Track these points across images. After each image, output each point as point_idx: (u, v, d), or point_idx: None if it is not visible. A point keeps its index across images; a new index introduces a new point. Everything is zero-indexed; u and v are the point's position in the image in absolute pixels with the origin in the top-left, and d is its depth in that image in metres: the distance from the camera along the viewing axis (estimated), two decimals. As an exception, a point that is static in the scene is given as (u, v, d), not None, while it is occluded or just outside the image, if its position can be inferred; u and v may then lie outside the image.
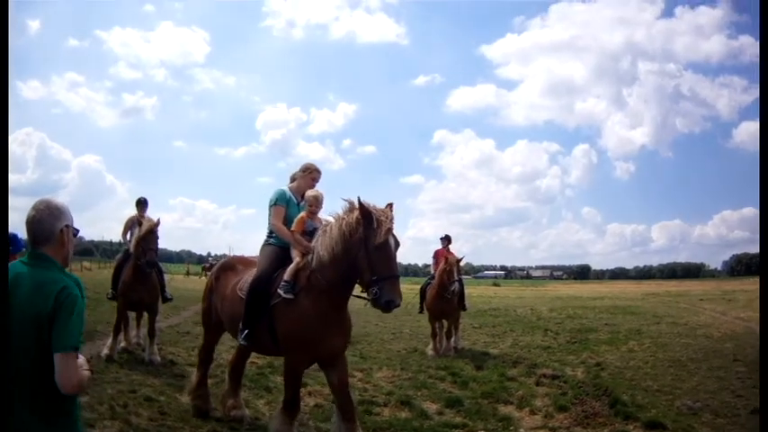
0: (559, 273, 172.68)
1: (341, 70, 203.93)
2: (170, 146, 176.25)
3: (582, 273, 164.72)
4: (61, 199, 3.17)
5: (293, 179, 6.97)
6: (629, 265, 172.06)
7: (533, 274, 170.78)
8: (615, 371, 11.44)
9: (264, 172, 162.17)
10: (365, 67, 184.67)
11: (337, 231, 5.81)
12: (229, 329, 6.93)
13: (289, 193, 6.75)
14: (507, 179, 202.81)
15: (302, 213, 6.55)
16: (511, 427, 7.50)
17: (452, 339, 13.43)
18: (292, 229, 6.41)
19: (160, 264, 11.31)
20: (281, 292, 6.00)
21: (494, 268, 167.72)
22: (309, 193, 6.62)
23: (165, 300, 11.24)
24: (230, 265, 7.27)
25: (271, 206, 6.65)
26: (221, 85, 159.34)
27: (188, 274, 61.43)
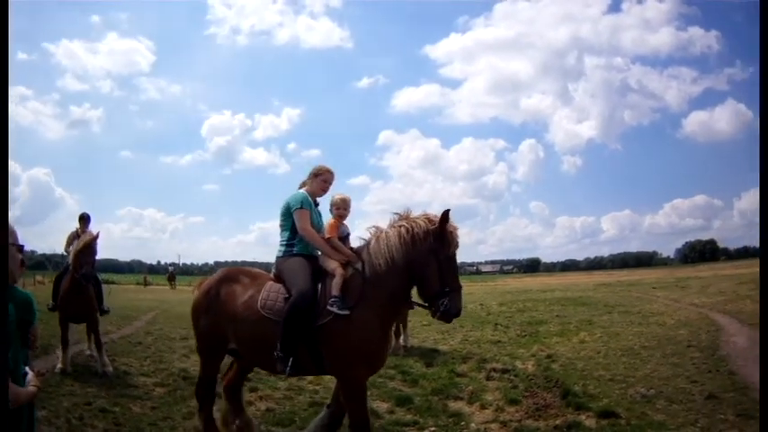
0: (509, 267, 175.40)
1: (285, 75, 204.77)
2: (117, 156, 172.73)
3: (532, 266, 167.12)
4: (12, 213, 3.21)
5: (303, 185, 6.53)
6: (580, 257, 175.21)
7: (483, 270, 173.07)
8: (566, 362, 11.66)
9: (210, 179, 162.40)
10: (309, 71, 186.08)
11: (397, 239, 5.77)
12: (250, 355, 6.30)
13: (309, 197, 6.35)
14: (454, 177, 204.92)
15: (332, 218, 6.37)
16: (462, 423, 7.57)
17: (401, 338, 13.51)
18: (327, 235, 6.16)
19: (101, 276, 11.76)
20: (333, 309, 5.65)
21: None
22: (337, 195, 6.47)
23: (102, 312, 11.25)
24: (233, 278, 6.41)
25: (294, 210, 6.15)
26: (167, 93, 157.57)
27: (146, 284, 60.31)
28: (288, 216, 6.21)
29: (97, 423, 7.26)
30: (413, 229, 5.76)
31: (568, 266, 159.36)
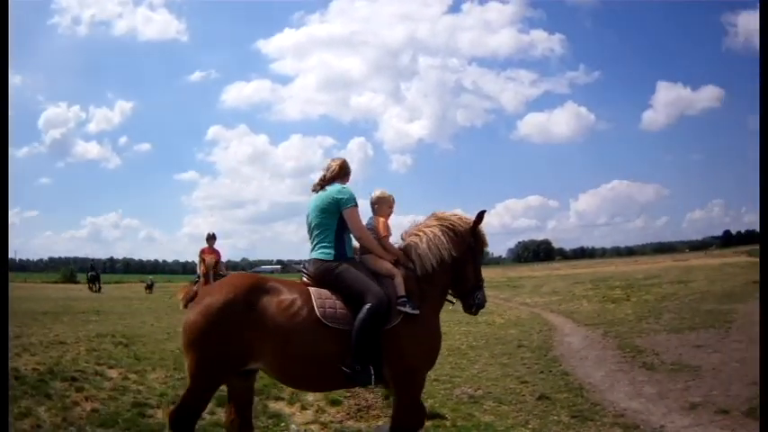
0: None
1: (121, 67, 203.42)
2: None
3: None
4: None
5: (323, 185, 6.08)
6: None
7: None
8: None
9: (45, 172, 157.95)
10: (144, 64, 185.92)
11: (445, 238, 5.96)
12: (295, 373, 5.66)
13: None
14: (281, 174, 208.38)
15: (378, 216, 6.21)
16: (282, 424, 7.59)
17: None
18: (383, 234, 6.06)
19: None
20: (406, 309, 5.62)
21: (270, 263, 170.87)
22: (386, 192, 6.35)
23: None
24: (264, 286, 5.65)
25: (347, 207, 5.85)
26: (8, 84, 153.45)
27: None
28: (332, 214, 5.88)
29: None
30: (455, 228, 6.04)
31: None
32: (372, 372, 5.41)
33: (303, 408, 8.32)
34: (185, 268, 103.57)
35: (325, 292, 5.62)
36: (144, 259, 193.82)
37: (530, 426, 7.46)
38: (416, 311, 5.61)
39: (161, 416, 7.67)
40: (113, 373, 10.09)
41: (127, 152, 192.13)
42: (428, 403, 8.22)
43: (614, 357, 11.82)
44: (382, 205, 6.25)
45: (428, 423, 7.43)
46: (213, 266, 13.51)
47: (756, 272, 35.11)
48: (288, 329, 5.37)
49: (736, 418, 7.31)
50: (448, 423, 7.62)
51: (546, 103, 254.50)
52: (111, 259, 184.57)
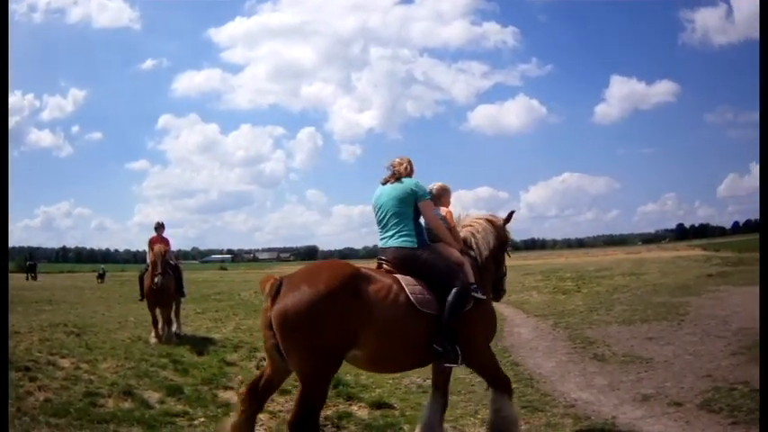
0: (286, 255, 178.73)
1: (74, 55, 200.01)
2: None
3: (309, 254, 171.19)
4: None
5: (393, 179, 6.44)
6: (358, 246, 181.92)
7: (260, 257, 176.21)
8: None
9: None
10: (98, 52, 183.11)
11: (492, 230, 6.79)
12: (392, 357, 5.93)
13: None
14: (231, 163, 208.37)
15: (443, 208, 6.76)
16: (231, 413, 7.57)
17: (174, 326, 14.02)
18: (452, 224, 6.59)
19: None
20: (478, 294, 6.12)
21: (221, 252, 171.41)
22: (446, 185, 7.01)
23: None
24: (361, 274, 5.74)
25: (425, 199, 6.28)
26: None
27: None
28: (409, 204, 6.22)
29: None
30: (494, 223, 6.90)
31: (346, 255, 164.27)
32: (459, 351, 5.84)
33: (252, 397, 8.37)
34: (136, 257, 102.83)
35: (410, 279, 5.89)
36: (96, 248, 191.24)
37: (479, 416, 7.57)
38: (484, 297, 6.24)
39: (112, 405, 7.80)
40: (66, 363, 10.10)
41: (79, 141, 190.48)
42: (376, 393, 8.52)
43: (565, 348, 11.98)
44: (447, 196, 6.87)
45: (376, 412, 7.64)
46: (162, 255, 13.57)
47: (710, 265, 35.88)
48: (390, 317, 5.60)
49: (690, 410, 7.35)
50: (396, 413, 7.79)
51: (497, 95, 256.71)
52: (64, 248, 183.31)
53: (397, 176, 6.34)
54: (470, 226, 6.74)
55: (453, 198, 6.94)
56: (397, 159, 6.48)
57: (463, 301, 5.91)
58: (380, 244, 6.32)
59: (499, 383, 6.40)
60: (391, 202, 6.21)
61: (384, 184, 6.40)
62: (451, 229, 6.48)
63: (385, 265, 6.19)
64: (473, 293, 6.03)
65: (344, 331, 5.37)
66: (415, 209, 6.23)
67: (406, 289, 5.77)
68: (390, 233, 6.19)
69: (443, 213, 6.59)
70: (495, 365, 6.52)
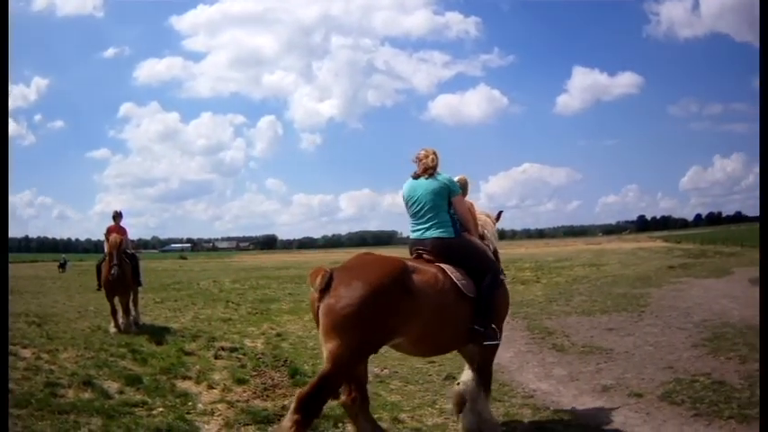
0: (245, 244, 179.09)
1: (38, 44, 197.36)
2: None
3: (269, 243, 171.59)
4: None
5: (422, 173, 6.77)
6: (317, 235, 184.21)
7: (219, 246, 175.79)
8: (297, 341, 12.53)
9: None
10: (61, 40, 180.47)
11: (493, 225, 7.48)
12: (435, 341, 6.23)
13: None
14: (191, 152, 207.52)
15: (469, 200, 7.21)
16: (189, 403, 7.65)
17: (132, 315, 14.05)
18: (475, 216, 7.13)
19: None
20: (504, 278, 6.84)
21: (180, 241, 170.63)
22: (466, 177, 7.41)
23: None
24: (410, 267, 5.92)
25: (458, 194, 6.70)
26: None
27: None
28: (444, 198, 6.55)
29: None
30: (491, 217, 7.56)
31: (306, 244, 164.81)
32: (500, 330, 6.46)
33: (210, 387, 8.47)
34: (97, 247, 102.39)
35: (451, 267, 6.22)
36: (57, 238, 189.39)
37: (437, 406, 7.62)
38: (507, 280, 7.09)
39: (72, 395, 7.78)
40: (26, 353, 10.14)
41: (42, 130, 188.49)
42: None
43: (523, 338, 12.07)
44: (467, 189, 7.21)
45: (333, 403, 7.68)
46: (117, 245, 13.56)
47: (672, 257, 36.30)
48: (438, 304, 5.89)
49: (651, 401, 7.46)
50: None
51: (458, 85, 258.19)
52: (27, 238, 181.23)
53: (428, 170, 6.62)
54: (479, 220, 7.21)
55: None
56: (423, 152, 6.71)
57: (497, 284, 6.44)
58: (415, 235, 6.65)
59: (485, 373, 6.63)
60: (429, 196, 6.51)
61: (416, 178, 6.68)
62: (476, 220, 7.05)
63: (425, 255, 6.46)
64: (501, 277, 6.65)
65: (393, 326, 5.56)
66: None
67: (452, 276, 6.12)
68: (428, 224, 6.52)
69: (468, 206, 6.96)
70: (494, 353, 6.76)
